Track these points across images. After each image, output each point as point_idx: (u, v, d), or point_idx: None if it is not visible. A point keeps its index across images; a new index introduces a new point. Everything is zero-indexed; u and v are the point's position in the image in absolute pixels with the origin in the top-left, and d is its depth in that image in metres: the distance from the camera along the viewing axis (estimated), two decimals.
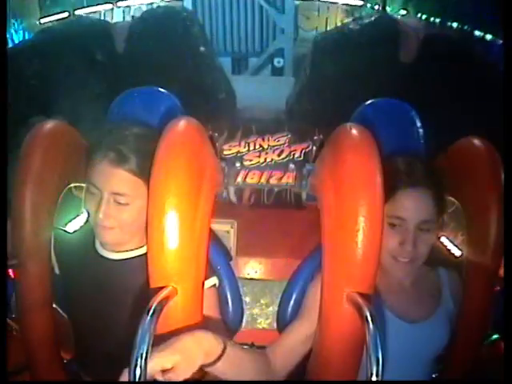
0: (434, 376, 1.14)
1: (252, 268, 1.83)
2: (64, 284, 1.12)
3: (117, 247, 1.06)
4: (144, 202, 0.95)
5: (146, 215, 0.90)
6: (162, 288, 0.83)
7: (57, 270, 1.13)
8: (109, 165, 0.99)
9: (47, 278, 1.09)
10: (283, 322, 1.21)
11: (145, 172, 0.95)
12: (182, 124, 0.91)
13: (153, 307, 0.76)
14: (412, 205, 1.03)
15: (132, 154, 0.99)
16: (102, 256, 1.07)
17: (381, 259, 1.04)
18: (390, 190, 0.99)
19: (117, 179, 0.99)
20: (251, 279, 2.08)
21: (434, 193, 1.04)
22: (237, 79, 3.42)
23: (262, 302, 2.17)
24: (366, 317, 0.79)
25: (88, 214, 1.04)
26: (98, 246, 1.09)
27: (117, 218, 0.99)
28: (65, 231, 1.14)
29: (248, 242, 1.68)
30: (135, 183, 0.99)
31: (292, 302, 1.19)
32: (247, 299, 2.11)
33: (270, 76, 6.04)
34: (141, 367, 0.70)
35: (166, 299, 0.81)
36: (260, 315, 2.14)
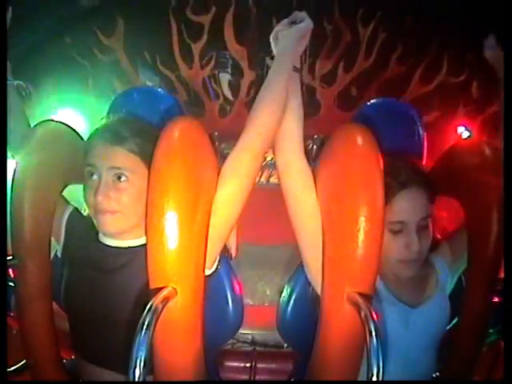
0: (434, 376, 1.15)
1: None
2: (64, 272, 1.10)
3: (118, 236, 1.04)
4: (144, 184, 0.94)
5: (146, 200, 0.89)
6: (161, 288, 0.83)
7: (59, 253, 1.13)
8: (106, 145, 1.00)
9: (47, 276, 1.08)
10: (283, 322, 1.21)
11: (143, 151, 0.98)
12: (181, 123, 0.91)
13: (152, 307, 0.76)
14: (409, 205, 1.03)
15: (128, 134, 1.01)
16: (101, 243, 1.07)
17: (388, 265, 1.05)
18: (385, 197, 1.00)
19: (115, 155, 0.99)
20: (249, 245, 2.02)
21: (424, 188, 1.05)
22: None
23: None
24: (366, 317, 0.79)
25: (87, 205, 1.02)
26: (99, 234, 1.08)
27: (117, 199, 0.98)
28: (79, 213, 1.15)
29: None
30: (134, 160, 1.00)
31: (292, 302, 1.19)
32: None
33: None
34: (140, 368, 0.70)
35: (166, 299, 0.81)
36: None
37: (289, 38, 1.04)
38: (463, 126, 2.74)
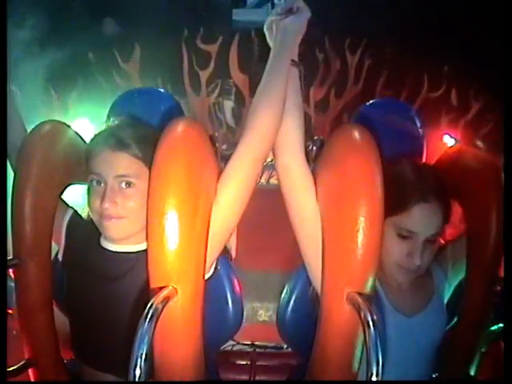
0: (434, 376, 1.15)
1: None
2: (66, 274, 1.11)
3: (121, 241, 1.04)
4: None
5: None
6: (161, 288, 0.83)
7: (60, 255, 1.13)
8: (110, 151, 1.00)
9: (47, 277, 1.09)
10: (283, 322, 1.21)
11: (146, 155, 0.98)
12: (181, 124, 0.91)
13: (153, 307, 0.76)
14: (424, 219, 1.03)
15: (131, 139, 1.01)
16: (103, 248, 1.07)
17: (386, 265, 1.06)
18: (403, 201, 1.02)
19: (120, 162, 1.00)
20: (252, 270, 2.06)
21: (443, 205, 1.05)
22: (236, 12, 3.29)
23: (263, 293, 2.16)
24: (366, 317, 0.79)
25: (92, 211, 1.02)
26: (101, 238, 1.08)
27: (123, 205, 0.99)
28: (80, 216, 1.15)
29: (248, 235, 1.68)
30: (138, 165, 1.00)
31: (292, 302, 1.19)
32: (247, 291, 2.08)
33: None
34: (140, 367, 0.70)
35: (166, 299, 0.81)
36: (260, 308, 2.13)
37: (285, 31, 0.97)
38: (447, 134, 2.80)
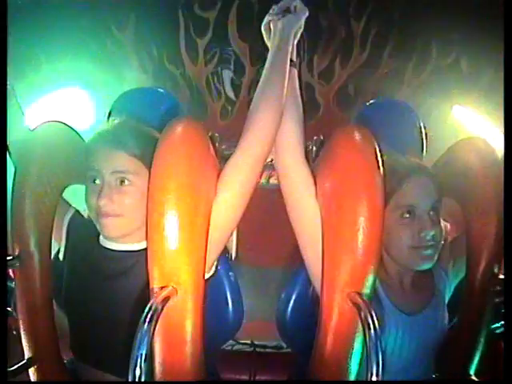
0: (434, 376, 1.15)
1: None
2: (65, 274, 1.11)
3: (120, 239, 1.04)
4: (146, 187, 0.92)
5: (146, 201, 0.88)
6: (161, 288, 0.83)
7: (60, 255, 1.13)
8: (109, 149, 1.00)
9: (47, 277, 1.09)
10: (283, 322, 1.21)
11: (145, 155, 0.97)
12: (182, 124, 0.91)
13: (153, 307, 0.76)
14: (419, 191, 1.05)
15: (130, 138, 1.01)
16: (103, 246, 1.07)
17: (402, 255, 1.05)
18: (396, 180, 1.03)
19: (117, 160, 0.99)
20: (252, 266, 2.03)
21: (432, 177, 1.07)
22: None
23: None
24: (366, 317, 0.79)
25: (89, 208, 1.02)
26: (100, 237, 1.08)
27: (120, 203, 0.98)
28: (81, 216, 1.15)
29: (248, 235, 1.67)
30: (136, 164, 1.00)
31: (292, 302, 1.19)
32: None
33: None
34: (141, 368, 0.70)
35: (166, 299, 0.81)
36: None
37: (284, 31, 0.97)
38: (458, 104, 2.68)
